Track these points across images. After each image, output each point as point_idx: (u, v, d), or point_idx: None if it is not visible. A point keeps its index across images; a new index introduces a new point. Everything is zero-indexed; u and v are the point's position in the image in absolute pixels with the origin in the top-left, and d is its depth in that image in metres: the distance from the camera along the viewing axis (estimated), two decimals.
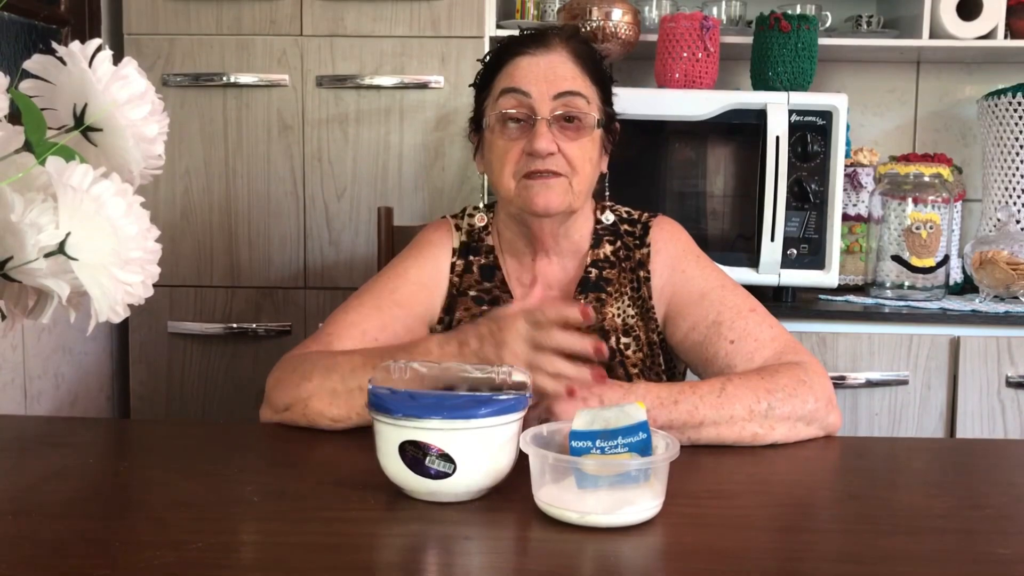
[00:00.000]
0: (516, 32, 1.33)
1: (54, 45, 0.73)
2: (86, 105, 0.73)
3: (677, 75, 2.06)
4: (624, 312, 1.28)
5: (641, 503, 0.81)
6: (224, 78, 2.05)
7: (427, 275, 1.30)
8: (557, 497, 0.82)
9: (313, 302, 2.10)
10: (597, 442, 0.86)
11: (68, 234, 0.68)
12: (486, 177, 1.32)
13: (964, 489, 0.98)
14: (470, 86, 1.34)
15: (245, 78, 2.05)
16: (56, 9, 2.03)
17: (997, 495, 0.95)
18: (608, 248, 1.31)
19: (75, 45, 0.72)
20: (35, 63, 0.74)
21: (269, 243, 2.10)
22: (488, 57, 1.30)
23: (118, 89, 0.73)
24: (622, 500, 0.81)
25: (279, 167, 2.08)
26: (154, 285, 0.72)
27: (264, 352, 2.10)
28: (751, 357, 1.18)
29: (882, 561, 0.76)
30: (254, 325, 2.09)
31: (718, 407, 1.06)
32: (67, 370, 1.94)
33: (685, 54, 2.04)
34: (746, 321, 1.20)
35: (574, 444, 0.86)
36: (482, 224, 1.35)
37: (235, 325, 2.10)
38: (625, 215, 1.35)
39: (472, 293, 1.30)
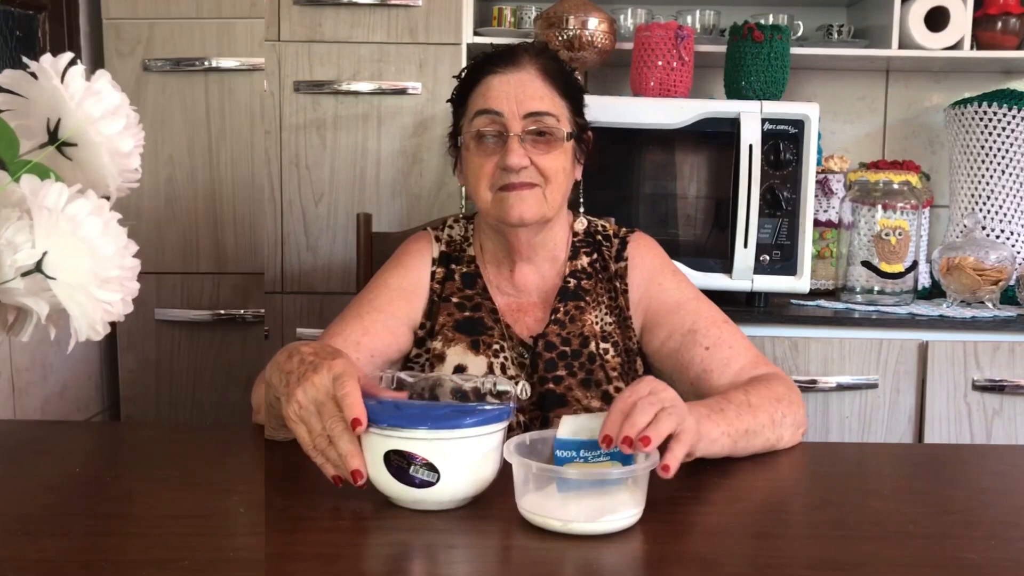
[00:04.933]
0: (492, 40, 1.36)
1: (25, 60, 0.72)
2: (60, 120, 0.72)
3: (652, 83, 2.08)
4: (602, 320, 1.32)
5: (622, 511, 0.83)
6: (206, 63, 2.05)
7: (407, 282, 1.33)
8: (540, 505, 0.84)
9: (290, 307, 2.09)
10: (581, 451, 0.88)
11: (45, 253, 0.67)
12: (465, 189, 1.36)
13: (932, 494, 1.02)
14: (447, 101, 1.37)
15: (227, 62, 2.04)
16: None
17: (964, 500, 0.98)
18: (585, 260, 1.36)
19: (46, 59, 0.71)
20: (7, 78, 0.72)
21: (255, 229, 2.09)
22: (462, 75, 1.34)
23: (92, 105, 0.72)
24: (603, 508, 0.83)
25: (258, 170, 2.08)
26: (140, 272, 0.71)
27: (252, 337, 2.10)
28: (726, 362, 1.23)
29: (855, 567, 0.78)
30: (242, 311, 2.10)
31: (754, 415, 1.09)
32: (55, 360, 1.92)
33: (660, 63, 2.07)
34: (720, 330, 1.27)
35: (559, 453, 0.88)
36: (461, 235, 1.39)
37: (223, 311, 2.10)
38: (601, 228, 1.39)
39: (455, 300, 1.33)
